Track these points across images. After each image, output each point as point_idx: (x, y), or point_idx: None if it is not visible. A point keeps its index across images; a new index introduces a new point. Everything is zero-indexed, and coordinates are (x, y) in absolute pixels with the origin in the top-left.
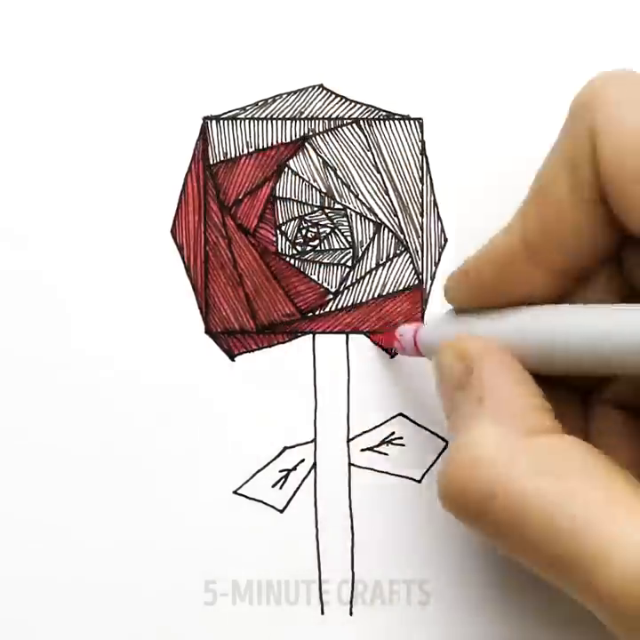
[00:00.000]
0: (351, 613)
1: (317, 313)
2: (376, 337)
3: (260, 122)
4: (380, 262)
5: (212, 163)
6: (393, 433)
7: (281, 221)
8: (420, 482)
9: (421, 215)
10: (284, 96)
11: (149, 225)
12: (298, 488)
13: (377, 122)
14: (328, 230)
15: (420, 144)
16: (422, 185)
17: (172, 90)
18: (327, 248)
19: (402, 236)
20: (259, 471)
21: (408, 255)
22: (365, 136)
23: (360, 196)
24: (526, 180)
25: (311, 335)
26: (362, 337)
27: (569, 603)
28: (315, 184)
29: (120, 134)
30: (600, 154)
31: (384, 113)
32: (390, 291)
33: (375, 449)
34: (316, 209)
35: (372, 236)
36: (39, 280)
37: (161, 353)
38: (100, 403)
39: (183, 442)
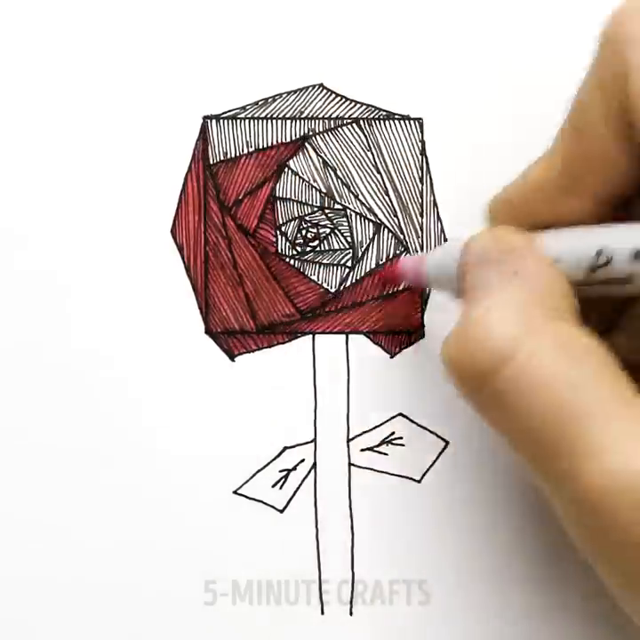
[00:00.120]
0: (351, 613)
1: (317, 313)
2: (382, 273)
3: (260, 121)
4: (380, 262)
5: (211, 162)
6: (393, 433)
7: (281, 222)
8: (419, 482)
9: (421, 215)
10: (284, 95)
11: (149, 225)
12: (298, 488)
13: (377, 122)
14: (328, 231)
15: (419, 144)
16: (422, 185)
17: (172, 90)
18: (327, 248)
19: (402, 236)
20: (259, 471)
21: (408, 255)
22: (365, 136)
23: (360, 197)
24: None
25: (311, 335)
26: (362, 337)
27: (569, 603)
28: (315, 184)
29: (120, 134)
30: (630, 89)
31: (384, 113)
32: (390, 291)
33: (375, 449)
34: (315, 209)
35: (371, 236)
36: (39, 280)
37: (161, 353)
38: (99, 403)
39: (183, 442)
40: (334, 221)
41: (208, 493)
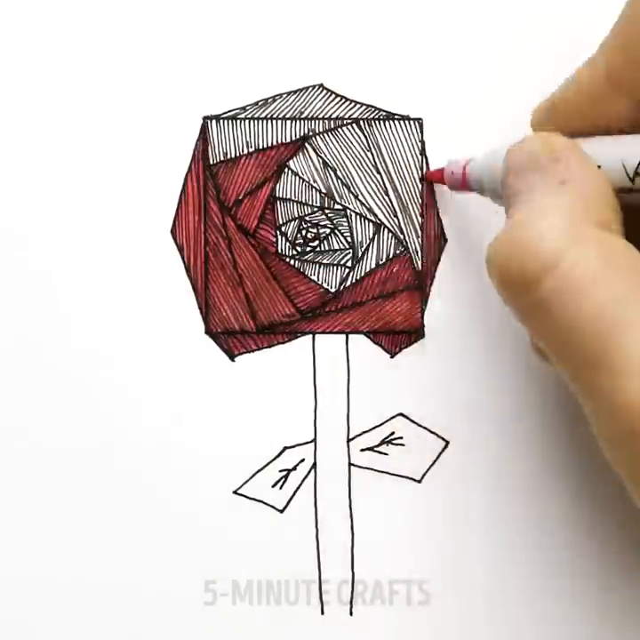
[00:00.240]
0: (351, 613)
1: (317, 313)
2: (429, 174)
3: (260, 122)
4: (380, 262)
5: (211, 163)
6: (393, 433)
7: (281, 222)
8: (420, 482)
9: (421, 215)
10: (284, 96)
11: (149, 225)
12: (298, 488)
13: (377, 122)
14: (328, 231)
15: (419, 144)
16: (422, 185)
17: (172, 90)
18: (327, 248)
19: (402, 236)
20: (259, 471)
21: (408, 255)
22: (365, 136)
23: (360, 197)
24: None
25: (311, 335)
26: (362, 337)
27: (569, 602)
28: (315, 184)
29: (120, 134)
30: None
31: (384, 113)
32: (390, 291)
33: (375, 449)
34: (315, 209)
35: (371, 236)
36: (39, 280)
37: (161, 353)
38: (99, 403)
39: (183, 442)
40: (334, 221)
41: (208, 493)
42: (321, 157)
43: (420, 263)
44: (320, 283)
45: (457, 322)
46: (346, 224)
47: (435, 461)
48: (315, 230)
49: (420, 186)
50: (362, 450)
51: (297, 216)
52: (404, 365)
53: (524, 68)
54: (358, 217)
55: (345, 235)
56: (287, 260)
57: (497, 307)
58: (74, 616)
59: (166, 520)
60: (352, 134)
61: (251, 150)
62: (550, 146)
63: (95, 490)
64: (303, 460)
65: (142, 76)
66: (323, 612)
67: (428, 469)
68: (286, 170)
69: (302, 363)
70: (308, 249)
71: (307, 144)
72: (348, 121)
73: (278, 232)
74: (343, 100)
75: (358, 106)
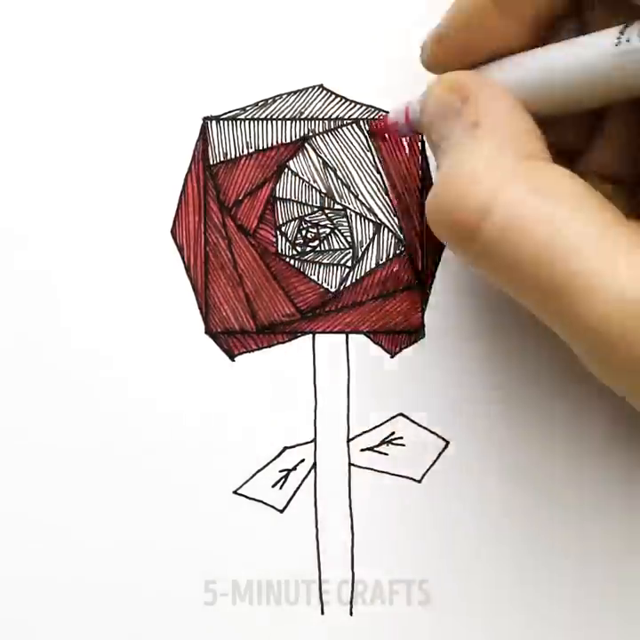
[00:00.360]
0: (351, 613)
1: (317, 313)
2: (373, 125)
3: (260, 122)
4: (380, 262)
5: (212, 163)
6: (393, 433)
7: (281, 222)
8: (420, 482)
9: (421, 215)
10: (284, 96)
11: (149, 225)
12: (298, 488)
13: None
14: (328, 231)
15: (419, 144)
16: (422, 185)
17: (172, 90)
18: (327, 248)
19: (402, 236)
20: (259, 471)
21: (408, 255)
22: (365, 136)
23: (360, 197)
24: None
25: (311, 335)
26: (362, 337)
27: (568, 602)
28: (315, 184)
29: (120, 134)
30: None
31: (384, 113)
32: (390, 290)
33: (375, 449)
34: (315, 209)
35: (371, 236)
36: (39, 280)
37: (161, 353)
38: (99, 403)
39: (183, 442)
40: (334, 221)
41: (208, 493)
42: (321, 157)
43: (420, 263)
44: (320, 282)
45: (457, 322)
46: (346, 224)
47: (435, 461)
48: (315, 230)
49: (420, 186)
50: (362, 450)
51: (297, 216)
52: (404, 365)
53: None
54: (358, 217)
55: (345, 235)
56: (287, 259)
57: (497, 307)
58: (74, 616)
59: (166, 520)
60: (352, 134)
61: (251, 151)
62: (454, 87)
63: (95, 490)
64: (303, 460)
65: (142, 76)
66: (323, 612)
67: (428, 469)
68: (286, 170)
69: (302, 363)
70: (308, 249)
71: (307, 144)
72: (348, 121)
73: (278, 232)
74: (343, 100)
75: (358, 106)
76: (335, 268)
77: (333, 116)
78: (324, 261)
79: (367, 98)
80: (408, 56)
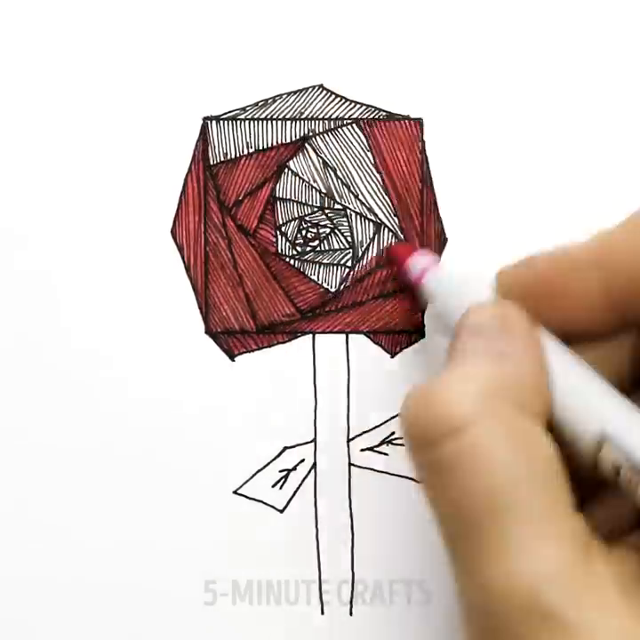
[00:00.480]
0: (351, 613)
1: (317, 313)
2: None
3: (260, 122)
4: (381, 262)
5: (212, 163)
6: (393, 433)
7: (281, 222)
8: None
9: (421, 215)
10: (284, 96)
11: (149, 225)
12: (298, 488)
13: (377, 122)
14: (328, 230)
15: (420, 144)
16: (422, 185)
17: (172, 90)
18: (327, 248)
19: (402, 236)
20: (259, 471)
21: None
22: (365, 136)
23: (360, 196)
24: (526, 180)
25: (311, 335)
26: (362, 337)
27: None
28: (315, 184)
29: (120, 135)
30: None
31: (384, 113)
32: (390, 290)
33: (375, 449)
34: (315, 209)
35: (372, 236)
36: (39, 280)
37: (161, 353)
38: (99, 403)
39: (183, 442)
40: (334, 221)
41: (208, 493)
42: (321, 157)
43: None
44: (320, 282)
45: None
46: (346, 224)
47: None
48: (315, 230)
49: (420, 186)
50: (362, 450)
51: (297, 216)
52: (404, 365)
53: (523, 67)
54: (358, 217)
55: (345, 234)
56: (287, 259)
57: None
58: (74, 616)
59: (166, 520)
60: (352, 134)
61: (251, 151)
62: (508, 324)
63: (95, 490)
64: (303, 460)
65: (142, 76)
66: (323, 612)
67: None
68: (286, 170)
69: (302, 363)
70: (308, 249)
71: (307, 144)
72: (348, 121)
73: (278, 232)
74: (343, 100)
75: (358, 106)
76: (335, 267)
77: (333, 116)
78: (324, 261)
79: (367, 98)
80: (408, 56)
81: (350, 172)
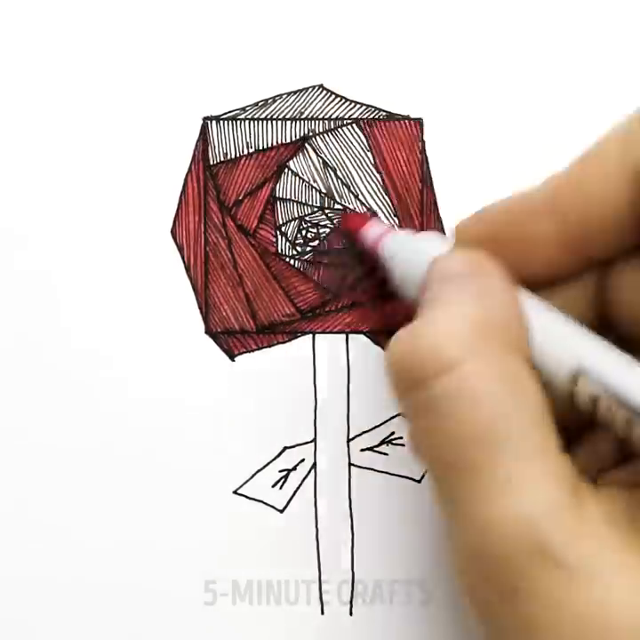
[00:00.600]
0: (351, 613)
1: (317, 313)
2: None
3: (260, 122)
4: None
5: (212, 163)
6: (393, 433)
7: (281, 222)
8: (419, 482)
9: (421, 215)
10: (284, 96)
11: (149, 225)
12: (298, 488)
13: (377, 122)
14: (328, 230)
15: (420, 144)
16: (422, 185)
17: (172, 90)
18: (327, 248)
19: None
20: (259, 471)
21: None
22: (365, 136)
23: (360, 197)
24: (526, 180)
25: (311, 335)
26: (362, 337)
27: None
28: (315, 184)
29: (120, 135)
30: None
31: (384, 113)
32: (391, 290)
33: (375, 449)
34: (315, 209)
35: None
36: (39, 280)
37: (161, 353)
38: (99, 403)
39: (183, 442)
40: (334, 221)
41: (208, 493)
42: (321, 157)
43: None
44: (320, 282)
45: None
46: None
47: None
48: (315, 230)
49: (420, 186)
50: (362, 450)
51: (297, 216)
52: None
53: (523, 67)
54: None
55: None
56: (287, 259)
57: None
58: (74, 616)
59: (166, 520)
60: (352, 134)
61: (251, 151)
62: (477, 264)
63: (95, 490)
64: (303, 460)
65: (142, 76)
66: (323, 612)
67: None
68: (286, 170)
69: (302, 363)
70: (308, 249)
71: (307, 144)
72: (348, 121)
73: (278, 232)
74: (343, 100)
75: (358, 106)
76: (335, 268)
77: (333, 116)
78: (324, 261)
79: (367, 98)
80: (408, 56)
81: (350, 172)
